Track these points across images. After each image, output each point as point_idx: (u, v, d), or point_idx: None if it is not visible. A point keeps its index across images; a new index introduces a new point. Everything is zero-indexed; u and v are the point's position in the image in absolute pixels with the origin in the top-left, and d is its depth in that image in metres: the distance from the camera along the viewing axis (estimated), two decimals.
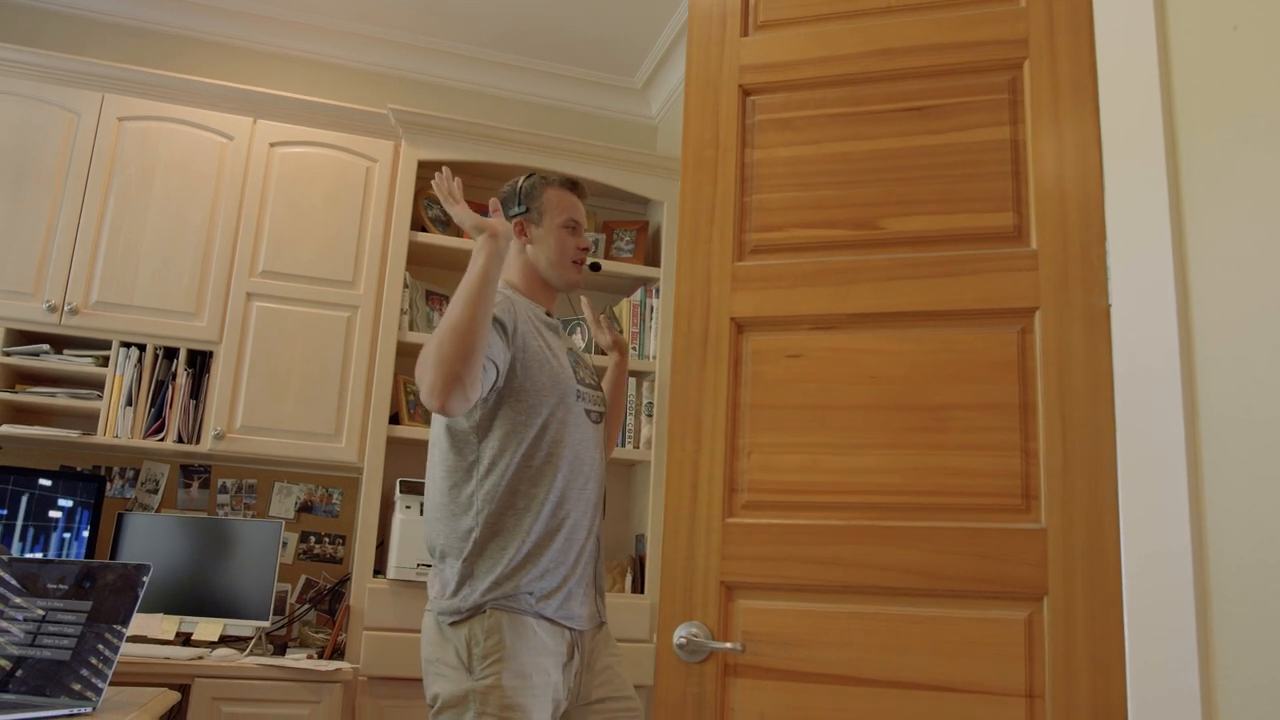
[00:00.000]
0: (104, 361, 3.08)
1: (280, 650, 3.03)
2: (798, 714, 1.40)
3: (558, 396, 1.92)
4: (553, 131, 3.71)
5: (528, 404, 1.89)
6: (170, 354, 3.14)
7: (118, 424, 3.04)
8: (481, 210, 1.99)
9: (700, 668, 1.44)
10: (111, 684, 1.79)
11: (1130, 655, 1.28)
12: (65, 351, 3.10)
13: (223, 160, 3.27)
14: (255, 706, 2.74)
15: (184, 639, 2.99)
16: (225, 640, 3.03)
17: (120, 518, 3.12)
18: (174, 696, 2.19)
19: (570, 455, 1.92)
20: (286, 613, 3.32)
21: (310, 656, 2.96)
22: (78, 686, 1.73)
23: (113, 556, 3.06)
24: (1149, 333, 1.31)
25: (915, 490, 1.43)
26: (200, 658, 2.78)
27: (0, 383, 3.07)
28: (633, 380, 3.37)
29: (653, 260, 3.65)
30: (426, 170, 3.45)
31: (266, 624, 3.04)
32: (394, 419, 3.23)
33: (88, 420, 3.13)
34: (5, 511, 2.96)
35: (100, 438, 3.04)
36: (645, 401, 3.40)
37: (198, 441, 3.10)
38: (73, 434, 3.06)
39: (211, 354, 3.16)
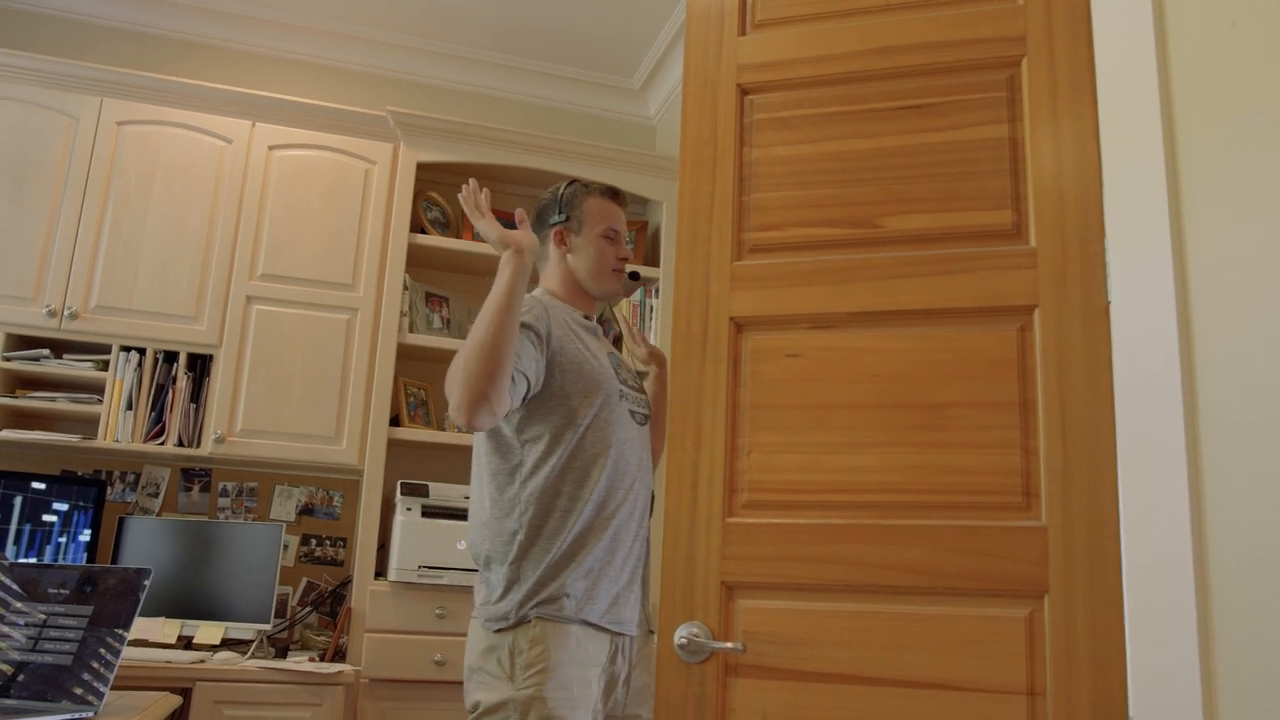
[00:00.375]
0: (104, 366, 3.08)
1: (281, 653, 3.03)
2: (799, 713, 1.40)
3: (601, 397, 1.90)
4: (551, 132, 3.71)
5: (570, 405, 1.87)
6: (170, 358, 3.14)
7: (118, 428, 3.04)
8: (505, 219, 1.95)
9: (701, 668, 1.44)
10: (113, 688, 1.79)
11: (1131, 653, 1.27)
12: (65, 356, 3.10)
13: (221, 163, 3.27)
14: (257, 709, 2.74)
15: (185, 643, 2.99)
16: (226, 644, 3.03)
17: (121, 522, 3.12)
18: (175, 700, 2.19)
19: (615, 455, 1.89)
20: (288, 616, 3.32)
21: (311, 659, 2.96)
22: (79, 691, 1.73)
23: (114, 560, 3.06)
24: (1148, 330, 1.31)
25: (915, 489, 1.42)
26: (202, 661, 2.78)
27: (0, 388, 3.07)
28: None
29: (652, 260, 3.65)
30: (425, 172, 3.46)
31: (268, 627, 3.04)
32: (394, 421, 3.23)
33: (88, 424, 3.13)
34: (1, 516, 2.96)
35: (101, 442, 3.04)
36: None
37: (198, 445, 3.11)
38: (73, 438, 3.06)
39: (211, 357, 3.16)
